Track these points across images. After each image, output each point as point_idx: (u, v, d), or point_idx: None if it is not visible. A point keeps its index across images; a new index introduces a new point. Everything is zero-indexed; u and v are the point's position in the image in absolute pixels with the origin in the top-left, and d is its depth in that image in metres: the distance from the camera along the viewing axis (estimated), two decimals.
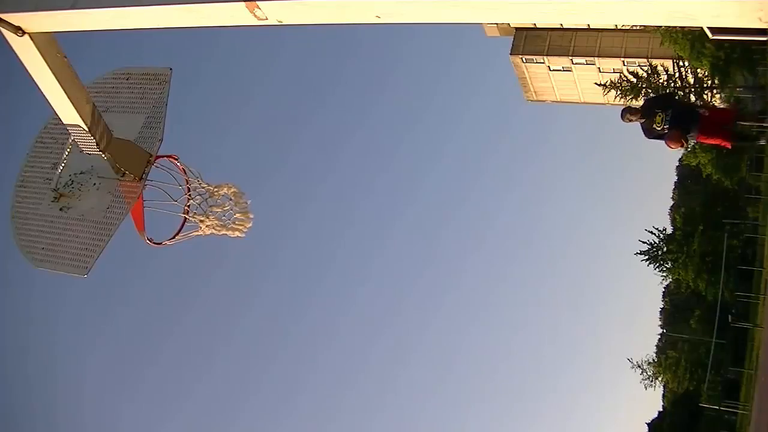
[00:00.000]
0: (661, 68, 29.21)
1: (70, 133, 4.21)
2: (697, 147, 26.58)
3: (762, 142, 9.07)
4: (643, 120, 8.49)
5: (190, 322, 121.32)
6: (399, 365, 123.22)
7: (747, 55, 28.05)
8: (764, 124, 8.79)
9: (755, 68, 30.92)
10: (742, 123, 8.71)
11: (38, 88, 3.69)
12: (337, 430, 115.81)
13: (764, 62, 29.47)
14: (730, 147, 9.37)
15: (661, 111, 8.49)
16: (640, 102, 28.21)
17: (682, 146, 8.44)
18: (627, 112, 8.62)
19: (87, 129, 3.96)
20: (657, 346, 50.46)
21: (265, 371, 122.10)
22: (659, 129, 8.29)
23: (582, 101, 47.29)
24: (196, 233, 4.90)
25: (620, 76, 29.86)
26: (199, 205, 4.90)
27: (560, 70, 46.08)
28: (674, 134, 8.36)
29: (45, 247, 4.43)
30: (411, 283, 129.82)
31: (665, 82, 28.81)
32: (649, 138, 8.57)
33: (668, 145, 8.39)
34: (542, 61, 45.80)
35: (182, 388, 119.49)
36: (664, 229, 39.11)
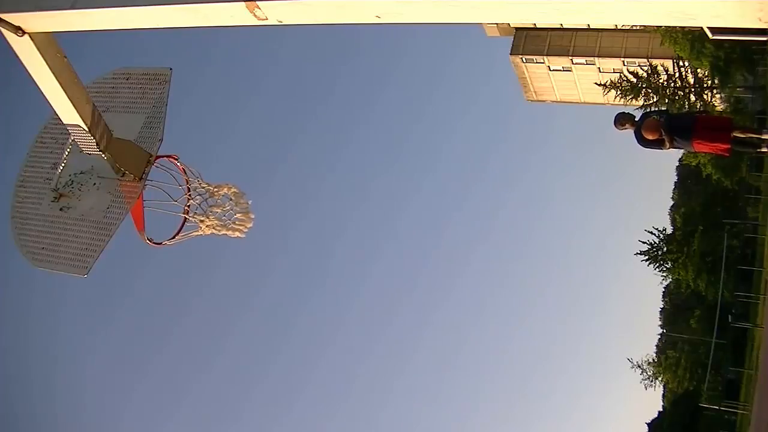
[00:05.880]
0: (661, 68, 29.17)
1: (70, 133, 4.21)
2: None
3: (763, 150, 8.90)
4: (636, 128, 8.42)
5: (190, 322, 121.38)
6: (399, 366, 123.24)
7: (747, 55, 28.04)
8: (763, 136, 8.60)
9: (755, 68, 30.91)
10: (739, 135, 8.52)
11: (38, 88, 3.69)
12: (337, 430, 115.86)
13: (764, 62, 29.49)
14: (728, 155, 9.10)
15: (656, 115, 8.46)
16: (640, 102, 28.22)
17: (659, 136, 8.10)
18: (620, 120, 8.54)
19: (87, 129, 3.96)
20: (657, 346, 50.51)
21: (266, 371, 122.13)
22: None
23: (582, 101, 47.27)
24: (196, 233, 4.90)
25: (620, 76, 29.80)
26: (199, 205, 4.90)
27: (560, 70, 46.07)
28: (650, 122, 8.14)
29: (45, 247, 4.43)
30: (410, 283, 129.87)
31: (665, 82, 28.77)
32: (643, 146, 8.50)
33: (644, 135, 8.20)
34: (542, 61, 45.79)
35: (182, 388, 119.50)
36: (664, 229, 39.11)
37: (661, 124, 8.12)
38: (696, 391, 39.60)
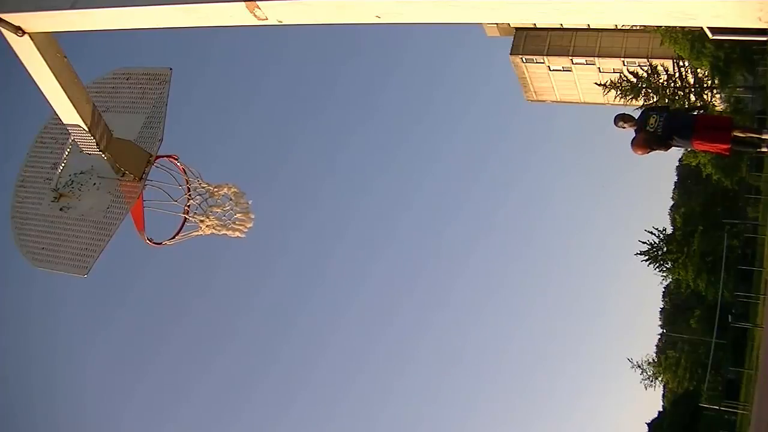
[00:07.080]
0: (661, 68, 29.14)
1: (70, 133, 4.21)
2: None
3: (763, 149, 8.90)
4: (636, 127, 8.40)
5: (190, 322, 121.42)
6: (400, 366, 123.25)
7: (747, 55, 28.00)
8: (763, 136, 8.59)
9: (755, 68, 30.87)
10: (739, 134, 8.50)
11: (38, 88, 3.69)
12: (337, 430, 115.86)
13: (764, 62, 29.46)
14: (728, 154, 9.05)
15: (656, 114, 8.45)
16: (640, 102, 28.21)
17: (648, 152, 8.11)
18: (620, 119, 8.54)
19: (87, 129, 3.96)
20: (657, 346, 50.51)
21: (266, 371, 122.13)
22: (652, 130, 8.21)
23: (582, 101, 47.27)
24: (196, 233, 4.90)
25: (620, 76, 29.77)
26: (199, 205, 4.90)
27: (560, 70, 46.06)
28: (639, 139, 8.12)
29: (45, 247, 4.42)
30: (410, 282, 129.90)
31: (665, 82, 28.74)
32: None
33: (634, 151, 8.19)
34: (542, 61, 45.79)
35: (183, 388, 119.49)
36: (664, 229, 39.04)
37: (649, 139, 8.09)
38: (696, 391, 39.59)
